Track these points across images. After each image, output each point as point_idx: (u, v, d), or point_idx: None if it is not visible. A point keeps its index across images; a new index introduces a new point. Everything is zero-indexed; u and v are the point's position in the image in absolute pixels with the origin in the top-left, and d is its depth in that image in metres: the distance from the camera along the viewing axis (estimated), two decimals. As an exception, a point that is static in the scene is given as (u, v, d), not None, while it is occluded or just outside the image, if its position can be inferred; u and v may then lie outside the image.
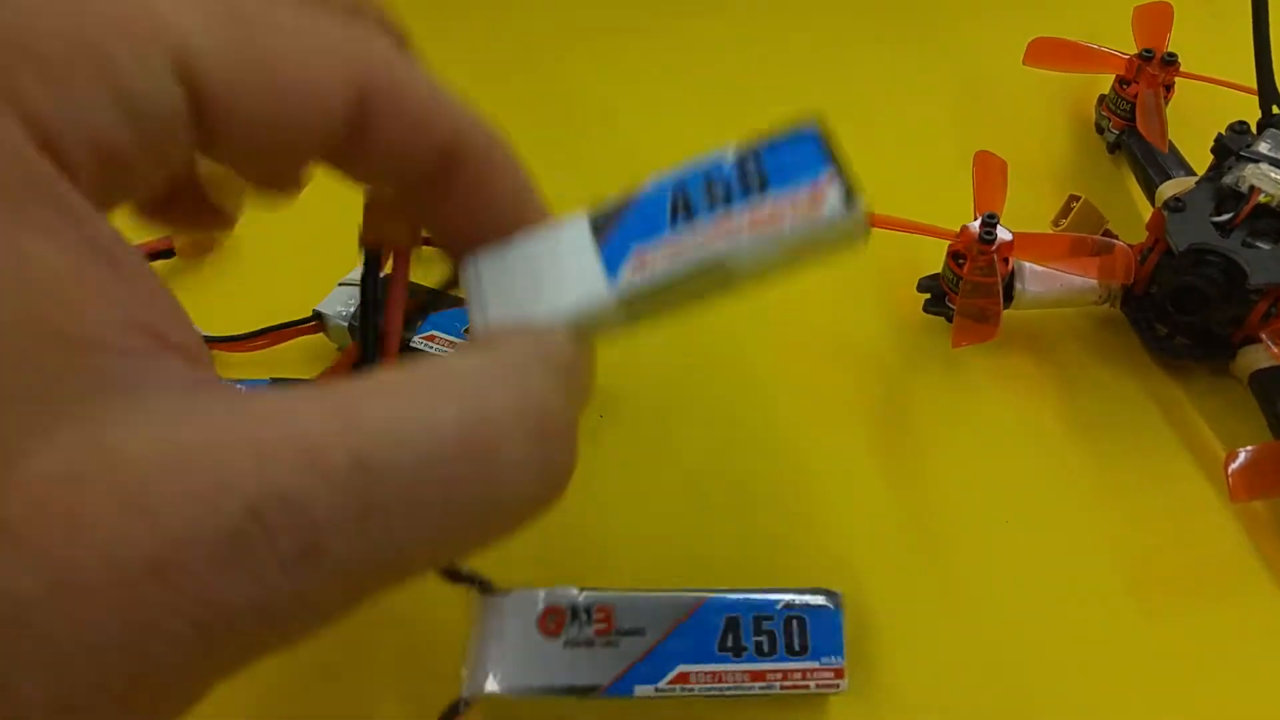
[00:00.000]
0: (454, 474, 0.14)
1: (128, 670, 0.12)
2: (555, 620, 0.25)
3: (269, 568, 0.12)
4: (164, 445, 0.12)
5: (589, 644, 0.25)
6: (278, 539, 0.12)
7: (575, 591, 0.26)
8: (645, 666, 0.25)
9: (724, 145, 0.18)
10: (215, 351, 0.32)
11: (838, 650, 0.26)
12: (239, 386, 0.31)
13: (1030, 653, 0.29)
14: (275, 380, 0.30)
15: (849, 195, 0.17)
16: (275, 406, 0.14)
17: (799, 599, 0.26)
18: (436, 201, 0.19)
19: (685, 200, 0.18)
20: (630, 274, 0.17)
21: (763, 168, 0.17)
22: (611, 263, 0.18)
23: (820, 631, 0.26)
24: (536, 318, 0.18)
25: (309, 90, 0.16)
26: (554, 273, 0.18)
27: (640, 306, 0.18)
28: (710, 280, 0.18)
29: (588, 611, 0.25)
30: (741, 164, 0.18)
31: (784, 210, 0.17)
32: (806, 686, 0.25)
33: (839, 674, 0.25)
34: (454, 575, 0.25)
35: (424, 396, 0.15)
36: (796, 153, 0.17)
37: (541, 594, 0.25)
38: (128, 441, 0.12)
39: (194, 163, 0.21)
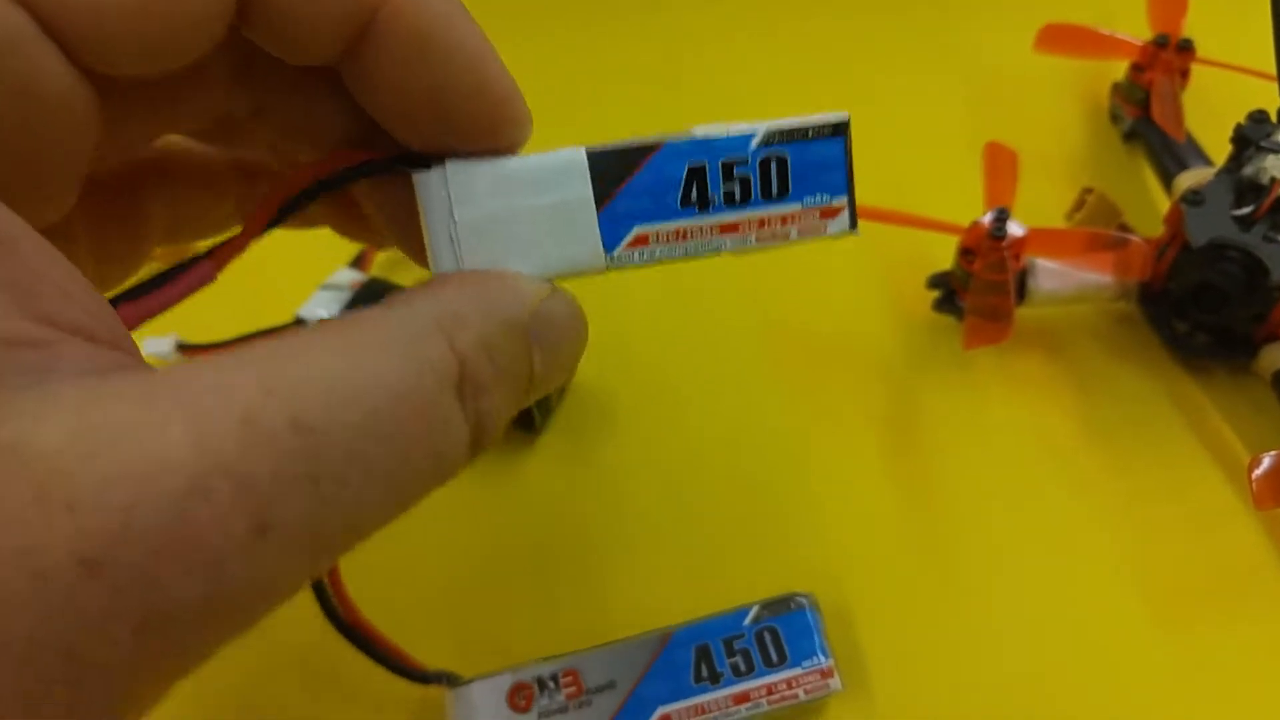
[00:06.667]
0: (400, 430, 0.13)
1: (66, 681, 0.11)
2: (524, 696, 0.25)
3: (222, 552, 0.11)
4: (81, 429, 0.11)
5: (563, 710, 0.25)
6: (228, 518, 0.11)
7: (538, 663, 0.25)
8: (624, 718, 0.24)
9: (750, 124, 0.18)
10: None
11: (819, 651, 0.25)
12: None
13: (1042, 664, 0.28)
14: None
15: (854, 219, 0.19)
16: (200, 375, 0.12)
17: (766, 610, 0.26)
18: (367, 73, 0.16)
19: (701, 185, 0.18)
20: (628, 249, 0.18)
21: (785, 171, 0.18)
22: (610, 235, 0.18)
23: (795, 636, 0.25)
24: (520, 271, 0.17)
25: None
26: (541, 225, 0.17)
27: (627, 267, 0.18)
28: (700, 257, 0.18)
29: (554, 679, 0.25)
30: (765, 160, 0.18)
31: (794, 221, 0.18)
32: (795, 696, 0.25)
33: (826, 674, 0.25)
34: (421, 676, 0.24)
35: (363, 350, 0.13)
36: (820, 162, 0.18)
37: (506, 674, 0.25)
38: (36, 433, 0.11)
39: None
